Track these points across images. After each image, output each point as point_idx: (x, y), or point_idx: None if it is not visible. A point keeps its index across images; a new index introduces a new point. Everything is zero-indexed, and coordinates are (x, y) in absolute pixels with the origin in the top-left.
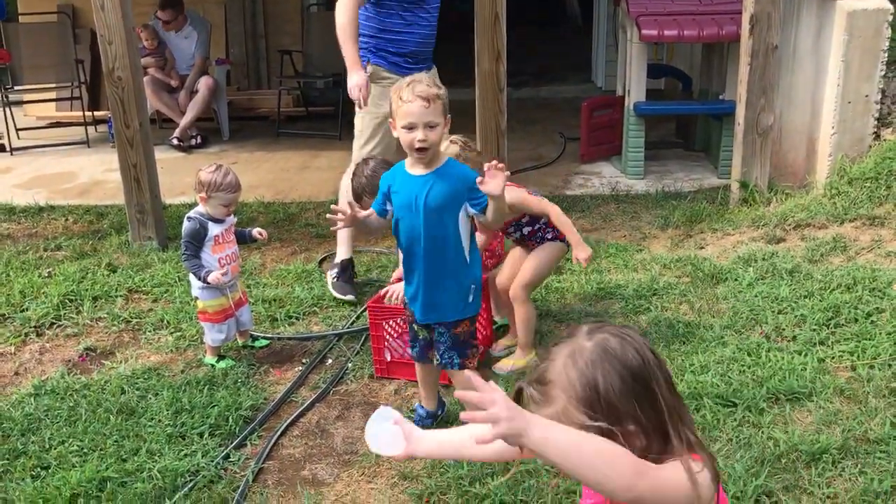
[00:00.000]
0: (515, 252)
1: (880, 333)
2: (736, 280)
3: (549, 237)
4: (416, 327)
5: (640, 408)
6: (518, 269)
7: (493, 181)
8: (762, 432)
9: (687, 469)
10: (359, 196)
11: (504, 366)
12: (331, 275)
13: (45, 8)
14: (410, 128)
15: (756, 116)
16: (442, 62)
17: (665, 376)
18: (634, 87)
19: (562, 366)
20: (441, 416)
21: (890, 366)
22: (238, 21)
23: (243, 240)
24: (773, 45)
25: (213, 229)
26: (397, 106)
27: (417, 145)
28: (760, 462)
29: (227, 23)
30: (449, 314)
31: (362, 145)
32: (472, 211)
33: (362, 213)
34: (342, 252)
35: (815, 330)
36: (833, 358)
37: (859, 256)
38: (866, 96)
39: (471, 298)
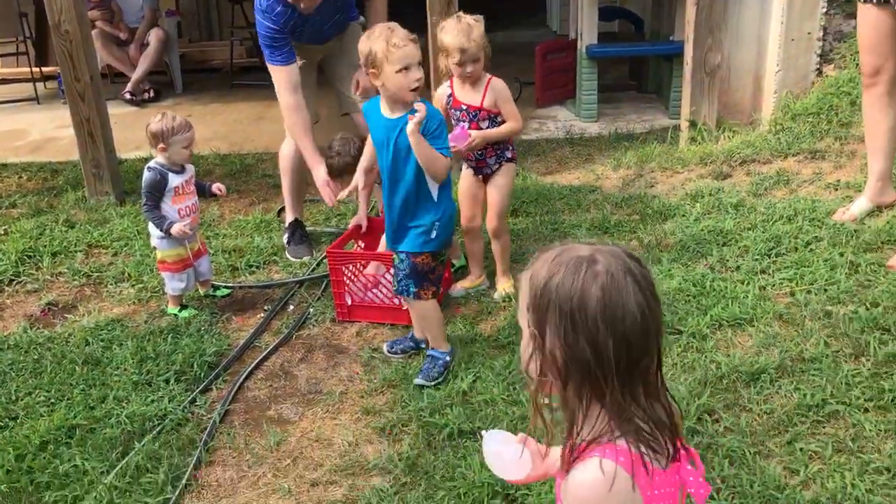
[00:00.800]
0: (468, 188)
1: (818, 261)
2: (683, 216)
3: (508, 157)
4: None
5: (566, 339)
6: (478, 203)
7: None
8: (705, 356)
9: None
10: (341, 173)
11: (502, 292)
12: (284, 239)
13: None
14: (407, 68)
15: (703, 56)
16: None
17: (628, 339)
18: (586, 30)
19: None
20: (423, 346)
21: (826, 290)
22: None
23: (202, 193)
24: None
25: (174, 180)
26: (389, 52)
27: (416, 85)
28: (703, 383)
29: None
30: (411, 245)
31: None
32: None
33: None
34: (289, 214)
35: (756, 260)
36: (773, 286)
37: (801, 189)
38: (809, 33)
39: (433, 234)
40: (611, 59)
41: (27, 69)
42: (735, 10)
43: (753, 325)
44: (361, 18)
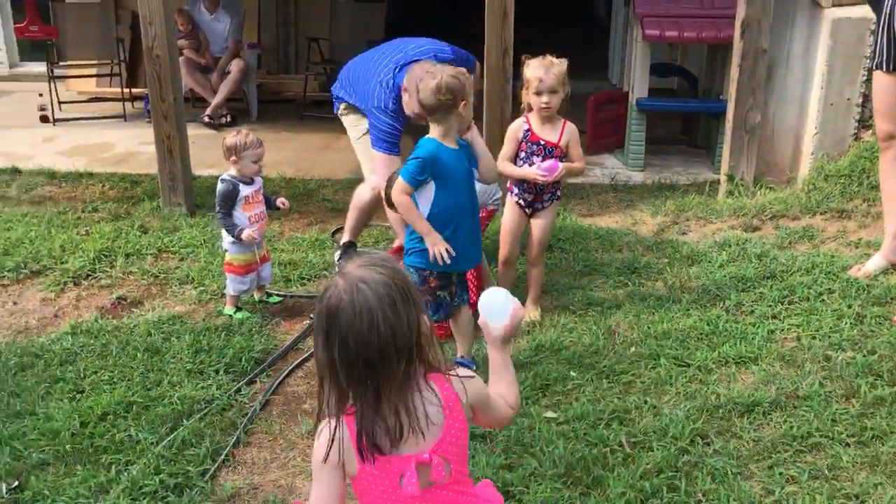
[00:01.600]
0: (514, 222)
1: (826, 310)
2: (709, 262)
3: (558, 195)
4: (441, 293)
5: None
6: (519, 237)
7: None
8: (707, 388)
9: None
10: None
11: (528, 319)
12: (336, 256)
13: None
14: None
15: (744, 114)
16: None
17: (333, 341)
18: (638, 83)
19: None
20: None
21: (829, 337)
22: (270, 8)
23: (268, 205)
24: (762, 48)
25: (244, 190)
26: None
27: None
28: (701, 411)
29: (260, 9)
30: (478, 257)
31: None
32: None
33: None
34: (347, 235)
35: (770, 306)
36: (782, 330)
37: (824, 245)
38: (848, 99)
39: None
40: (663, 114)
41: (118, 89)
42: (781, 73)
43: (757, 364)
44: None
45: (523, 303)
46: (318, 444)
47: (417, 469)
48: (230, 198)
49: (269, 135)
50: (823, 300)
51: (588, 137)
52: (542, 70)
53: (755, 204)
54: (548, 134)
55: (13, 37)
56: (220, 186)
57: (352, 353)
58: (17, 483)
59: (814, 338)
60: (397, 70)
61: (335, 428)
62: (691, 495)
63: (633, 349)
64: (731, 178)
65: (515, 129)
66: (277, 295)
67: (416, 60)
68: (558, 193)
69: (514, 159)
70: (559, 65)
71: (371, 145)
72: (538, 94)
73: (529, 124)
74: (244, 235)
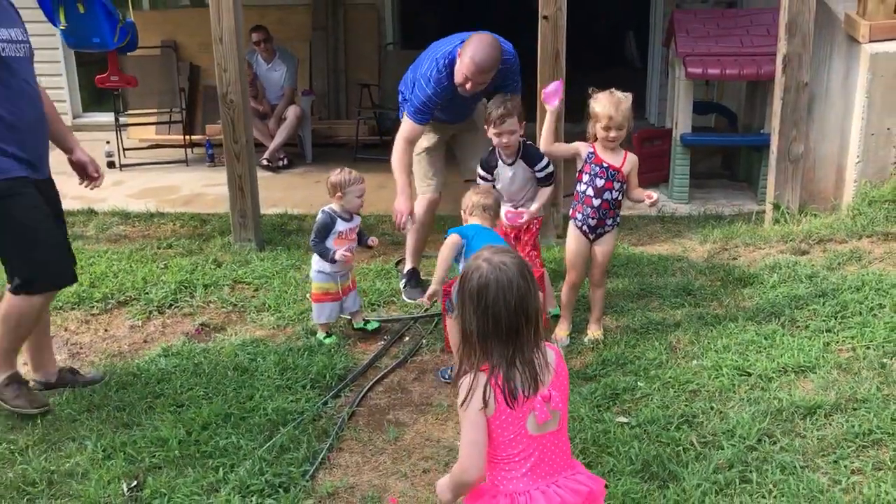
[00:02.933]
0: (580, 249)
1: (879, 323)
2: (761, 283)
3: (618, 222)
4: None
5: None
6: (585, 262)
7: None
8: (769, 394)
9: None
10: None
11: (592, 337)
12: (401, 283)
13: (150, 42)
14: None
15: (788, 146)
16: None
17: (484, 310)
18: (681, 119)
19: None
20: None
21: (883, 347)
22: (321, 56)
23: (360, 241)
24: (803, 82)
25: (340, 225)
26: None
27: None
28: (765, 414)
29: (312, 58)
30: None
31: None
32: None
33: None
34: (409, 262)
35: (824, 321)
36: (837, 342)
37: (872, 265)
38: (888, 129)
39: None
40: (704, 149)
41: (177, 136)
42: (821, 105)
43: (815, 373)
44: (484, 99)
45: (586, 323)
46: (465, 394)
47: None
48: (325, 229)
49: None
50: (875, 315)
51: None
52: (613, 108)
53: (802, 230)
54: (611, 158)
55: (77, 88)
56: (319, 216)
57: (502, 320)
58: (136, 482)
59: (868, 348)
60: (454, 47)
61: (475, 380)
62: (763, 486)
63: (695, 362)
64: (776, 206)
65: (580, 149)
66: (375, 321)
67: None
68: (618, 220)
69: (578, 181)
70: (626, 101)
71: (406, 115)
72: (607, 129)
73: (594, 148)
74: (337, 256)
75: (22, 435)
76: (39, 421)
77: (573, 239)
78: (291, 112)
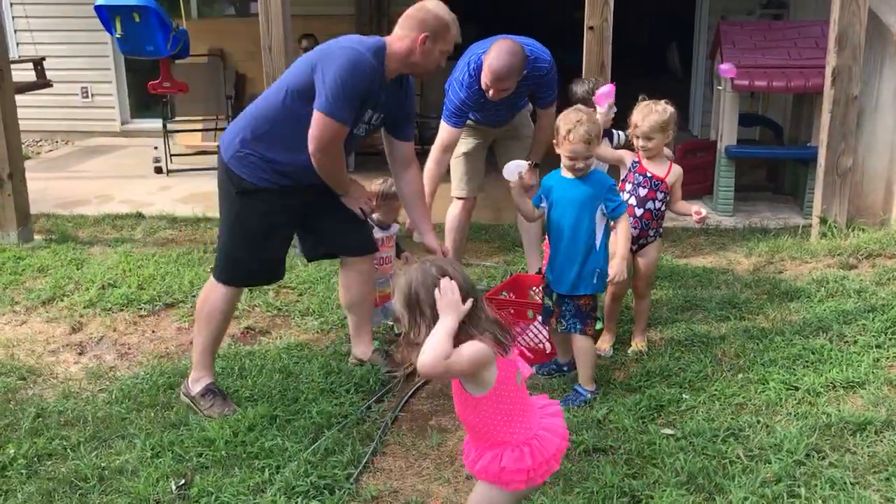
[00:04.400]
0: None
1: None
2: (808, 297)
3: (661, 232)
4: (546, 299)
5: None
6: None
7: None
8: (817, 409)
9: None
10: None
11: (636, 349)
12: None
13: (198, 50)
14: (572, 158)
15: (836, 159)
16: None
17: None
18: (726, 131)
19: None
20: (565, 370)
21: None
22: None
23: (398, 252)
24: (853, 95)
25: (376, 233)
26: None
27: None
28: (813, 429)
29: None
30: (581, 289)
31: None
32: (605, 211)
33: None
34: None
35: (873, 336)
36: (887, 358)
37: None
38: None
39: (595, 280)
40: (749, 162)
41: None
42: (871, 119)
43: (864, 388)
44: (529, 105)
45: (629, 335)
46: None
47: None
48: None
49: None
50: None
51: None
52: (640, 117)
53: (850, 244)
54: (655, 168)
55: (126, 95)
56: None
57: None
58: (183, 481)
59: None
60: (484, 52)
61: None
62: (812, 501)
63: (741, 375)
64: (823, 220)
65: (628, 155)
66: None
67: None
68: (660, 231)
69: (621, 191)
70: (659, 113)
71: (443, 119)
72: (635, 137)
73: (639, 157)
74: None
75: (74, 431)
76: (91, 419)
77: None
78: None
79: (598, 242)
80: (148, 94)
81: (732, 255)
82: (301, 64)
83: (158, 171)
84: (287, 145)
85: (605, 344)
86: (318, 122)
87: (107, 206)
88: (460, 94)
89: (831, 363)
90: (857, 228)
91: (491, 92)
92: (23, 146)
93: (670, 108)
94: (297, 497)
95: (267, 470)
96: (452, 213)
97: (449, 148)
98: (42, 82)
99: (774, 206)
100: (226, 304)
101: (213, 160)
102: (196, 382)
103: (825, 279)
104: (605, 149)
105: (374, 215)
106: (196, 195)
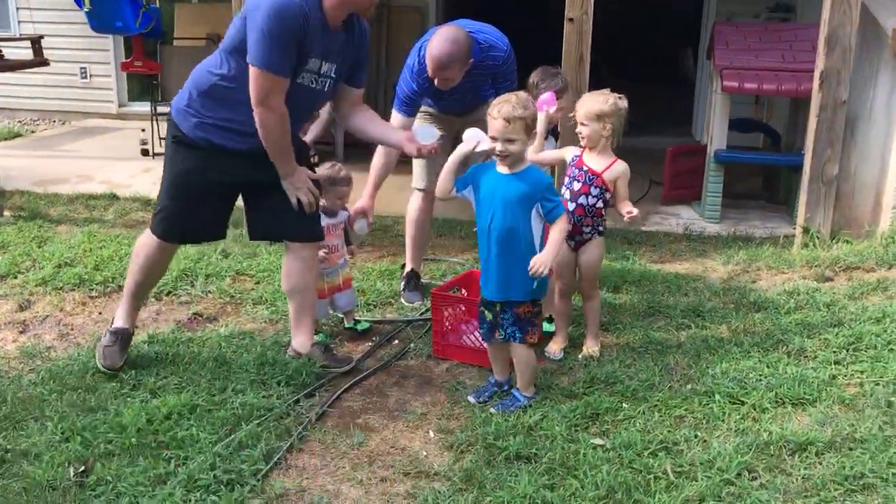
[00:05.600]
0: (564, 257)
1: (894, 358)
2: (776, 309)
3: (600, 230)
4: (484, 311)
5: None
6: (572, 271)
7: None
8: (760, 425)
9: None
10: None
11: (587, 353)
12: (401, 285)
13: (195, 34)
14: (493, 139)
15: (822, 166)
16: None
17: None
18: (716, 135)
19: None
20: (506, 388)
21: (894, 384)
22: None
23: (347, 241)
24: (841, 100)
25: (322, 221)
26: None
27: (498, 154)
28: (751, 447)
29: None
30: (514, 294)
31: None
32: (541, 212)
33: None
34: (408, 263)
35: (835, 352)
36: (845, 375)
37: None
38: None
39: (535, 284)
40: (744, 169)
41: None
42: (864, 127)
43: (815, 406)
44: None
45: (582, 337)
46: None
47: None
48: None
49: (352, 173)
50: (892, 349)
51: (665, 188)
52: (580, 103)
53: (830, 256)
54: (594, 163)
55: (124, 79)
56: None
57: None
58: (83, 468)
59: (877, 384)
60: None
61: None
62: None
63: (689, 386)
64: (807, 230)
65: (569, 151)
66: (366, 321)
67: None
68: (600, 228)
69: (559, 184)
70: (599, 103)
71: (394, 107)
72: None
73: (582, 151)
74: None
75: None
76: (10, 399)
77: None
78: (324, 110)
79: (537, 246)
80: (145, 78)
81: (710, 262)
82: (235, 20)
83: (145, 153)
84: (226, 104)
85: (555, 346)
86: (252, 76)
87: (84, 186)
88: (410, 83)
89: (785, 378)
90: (842, 240)
91: (436, 81)
92: (18, 124)
93: (615, 102)
94: (198, 491)
95: (173, 461)
96: (413, 206)
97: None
98: (38, 60)
99: (766, 214)
100: (159, 255)
101: None
102: (113, 323)
103: (797, 290)
104: (546, 152)
105: (322, 202)
106: None
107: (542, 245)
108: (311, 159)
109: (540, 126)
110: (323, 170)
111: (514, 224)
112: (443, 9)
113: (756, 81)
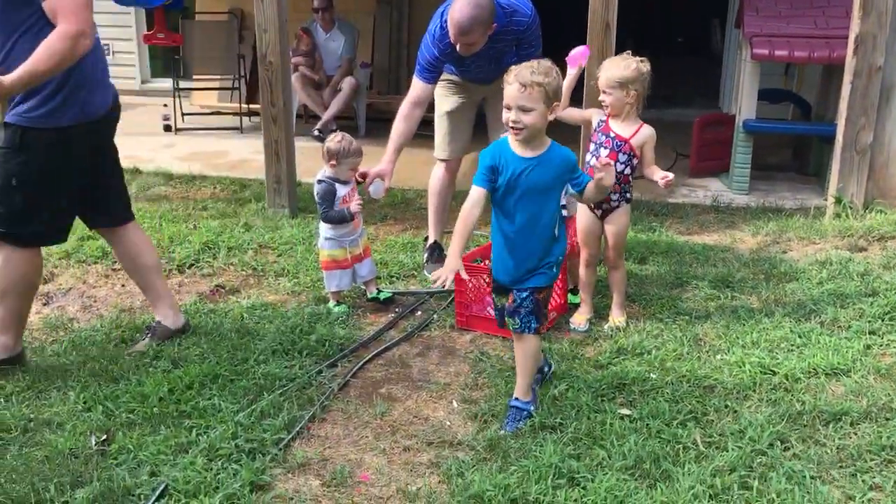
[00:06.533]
0: (589, 225)
1: None
2: (808, 279)
3: (628, 197)
4: (498, 301)
5: None
6: (597, 239)
7: (607, 175)
8: (793, 395)
9: None
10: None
11: (613, 324)
12: (423, 257)
13: (217, 8)
14: (507, 108)
15: (855, 134)
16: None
17: None
18: (745, 104)
19: None
20: (547, 375)
21: None
22: (384, 30)
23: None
24: (876, 66)
25: (340, 190)
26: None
27: (511, 125)
28: (783, 417)
29: (375, 30)
30: (542, 281)
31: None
32: (572, 191)
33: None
34: (431, 235)
35: (869, 322)
36: (880, 346)
37: None
38: None
39: (554, 269)
40: (773, 140)
41: (237, 104)
42: None
43: (849, 376)
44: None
45: (608, 308)
46: None
47: None
48: (330, 196)
49: (373, 148)
50: None
51: (692, 159)
52: (602, 69)
53: (863, 225)
54: (621, 129)
55: (147, 55)
56: (318, 187)
57: None
58: (105, 437)
59: None
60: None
61: None
62: (764, 494)
63: (718, 356)
64: (839, 200)
65: (595, 113)
66: (387, 292)
67: None
68: (628, 196)
69: (586, 151)
70: (620, 68)
71: (415, 73)
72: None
73: (608, 116)
74: (353, 207)
75: (12, 381)
76: (33, 368)
77: (581, 215)
78: (347, 83)
79: (557, 231)
80: (168, 54)
81: (738, 233)
82: None
83: (167, 129)
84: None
85: (580, 318)
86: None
87: None
88: (432, 49)
89: (818, 348)
90: (876, 210)
91: (458, 47)
92: None
93: (638, 66)
94: (219, 460)
95: (195, 430)
96: (435, 175)
97: (419, 103)
98: None
99: (796, 186)
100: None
101: (226, 121)
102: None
103: (829, 260)
104: (571, 111)
105: (329, 172)
106: (197, 154)
107: (561, 225)
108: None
109: (569, 81)
110: (333, 143)
111: (543, 210)
112: None
113: (787, 48)
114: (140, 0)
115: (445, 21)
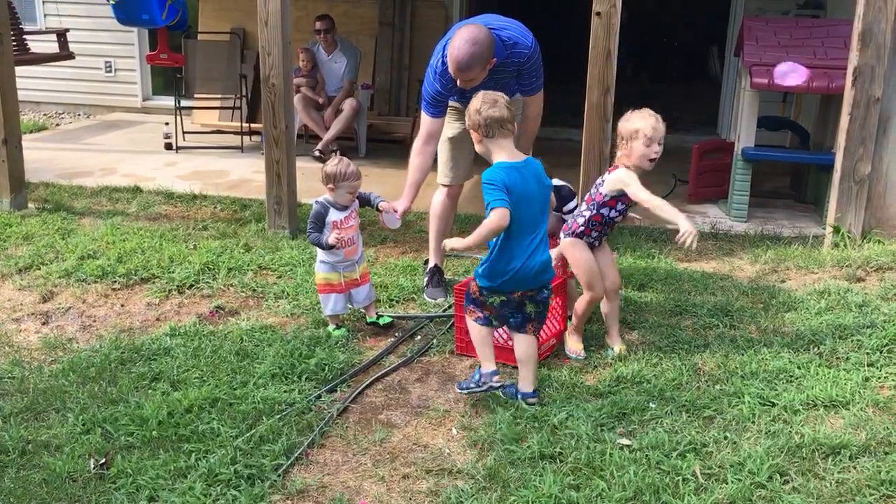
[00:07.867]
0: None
1: None
2: (806, 309)
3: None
4: (505, 309)
5: None
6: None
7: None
8: (792, 428)
9: None
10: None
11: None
12: (424, 281)
13: (220, 28)
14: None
15: (853, 165)
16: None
17: None
18: (744, 132)
19: None
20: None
21: None
22: (386, 52)
23: (366, 202)
24: (874, 97)
25: (334, 215)
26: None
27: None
28: (782, 449)
29: (376, 52)
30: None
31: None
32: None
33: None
34: (431, 259)
35: (868, 353)
36: (878, 378)
37: None
38: None
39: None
40: (771, 168)
41: (238, 123)
42: None
43: (848, 409)
44: (518, 95)
45: (603, 336)
46: None
47: None
48: (320, 219)
49: (373, 169)
50: None
51: (690, 186)
52: (654, 119)
53: (861, 256)
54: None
55: (149, 73)
56: (313, 207)
57: None
58: (104, 460)
59: None
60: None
61: None
62: None
63: (717, 386)
64: (837, 229)
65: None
66: (388, 316)
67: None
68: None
69: (609, 207)
70: (660, 123)
71: (422, 109)
72: (649, 143)
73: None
74: (330, 240)
75: (10, 402)
76: (31, 389)
77: (584, 251)
78: (348, 105)
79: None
80: (170, 72)
81: (737, 261)
82: None
83: (168, 147)
84: None
85: (578, 345)
86: None
87: (108, 179)
88: (435, 84)
89: (816, 379)
90: (874, 240)
91: (458, 82)
92: (43, 117)
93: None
94: (218, 485)
95: (193, 454)
96: (436, 200)
97: (431, 138)
98: (64, 54)
99: (794, 214)
100: None
101: (227, 140)
102: None
103: (827, 290)
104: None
105: (328, 196)
106: (199, 173)
107: None
108: (334, 153)
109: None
110: (330, 166)
111: (544, 209)
112: (467, 5)
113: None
114: (144, 20)
115: (446, 56)
